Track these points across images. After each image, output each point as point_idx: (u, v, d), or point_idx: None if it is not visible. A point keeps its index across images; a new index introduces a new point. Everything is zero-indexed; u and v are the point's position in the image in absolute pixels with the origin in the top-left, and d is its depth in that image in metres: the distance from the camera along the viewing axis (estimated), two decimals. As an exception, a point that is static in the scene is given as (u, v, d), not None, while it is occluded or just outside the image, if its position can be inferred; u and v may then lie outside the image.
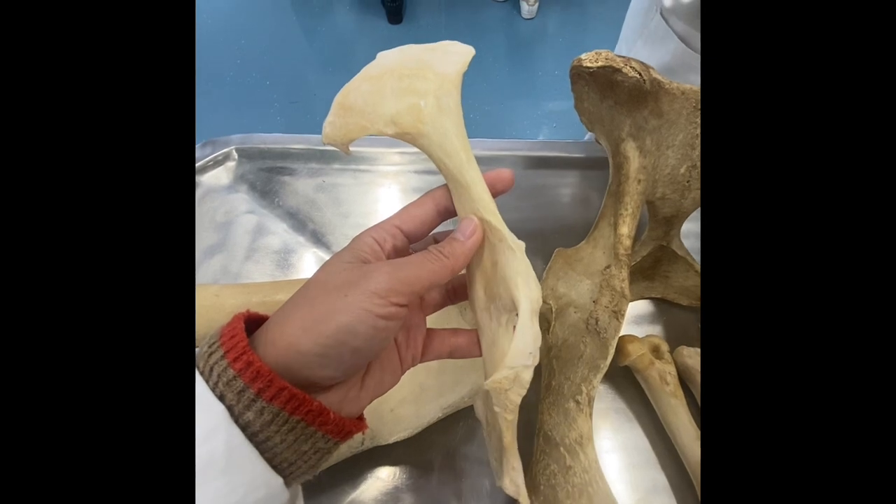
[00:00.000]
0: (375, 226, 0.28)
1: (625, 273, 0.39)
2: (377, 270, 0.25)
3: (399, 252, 0.28)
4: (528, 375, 0.28)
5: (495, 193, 0.29)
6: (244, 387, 0.22)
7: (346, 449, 0.39)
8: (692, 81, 0.58)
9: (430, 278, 0.26)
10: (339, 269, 0.26)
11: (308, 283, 0.26)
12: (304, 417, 0.23)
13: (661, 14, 0.62)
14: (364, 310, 0.24)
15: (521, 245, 0.28)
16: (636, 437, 0.44)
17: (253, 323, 0.26)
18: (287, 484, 0.24)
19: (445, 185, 0.29)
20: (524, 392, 0.28)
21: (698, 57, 0.59)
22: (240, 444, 0.22)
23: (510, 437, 0.30)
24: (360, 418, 0.28)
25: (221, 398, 0.22)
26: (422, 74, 0.27)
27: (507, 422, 0.29)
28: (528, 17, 2.03)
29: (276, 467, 0.24)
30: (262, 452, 0.23)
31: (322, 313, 0.24)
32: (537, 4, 2.02)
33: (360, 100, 0.27)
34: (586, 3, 2.10)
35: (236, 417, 0.23)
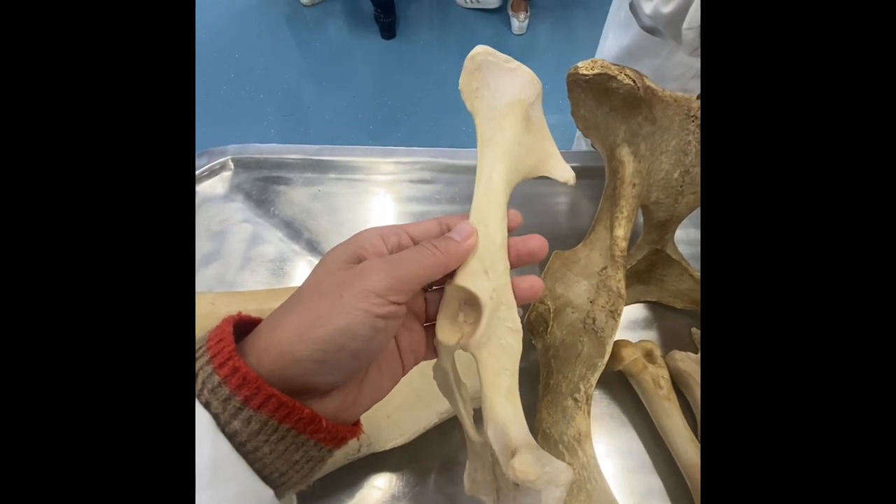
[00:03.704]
0: (385, 226, 0.27)
1: (621, 274, 0.39)
2: (373, 269, 0.24)
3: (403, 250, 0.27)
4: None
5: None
6: (230, 395, 0.21)
7: (342, 456, 0.39)
8: (648, 65, 0.64)
9: (425, 273, 0.25)
10: (333, 268, 0.25)
11: (302, 286, 0.25)
12: (294, 426, 0.22)
13: (630, 7, 0.66)
14: (362, 310, 0.23)
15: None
16: (631, 441, 0.44)
17: (246, 327, 0.24)
18: (278, 495, 0.23)
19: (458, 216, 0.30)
20: None
21: (658, 41, 0.64)
22: (226, 454, 0.21)
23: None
24: (356, 424, 0.27)
25: (207, 406, 0.21)
26: None
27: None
28: (519, 32, 2.06)
29: (266, 478, 0.22)
30: (251, 463, 0.22)
31: (317, 316, 0.23)
32: (527, 21, 2.05)
33: None
34: (575, 20, 2.14)
35: (223, 427, 0.21)
